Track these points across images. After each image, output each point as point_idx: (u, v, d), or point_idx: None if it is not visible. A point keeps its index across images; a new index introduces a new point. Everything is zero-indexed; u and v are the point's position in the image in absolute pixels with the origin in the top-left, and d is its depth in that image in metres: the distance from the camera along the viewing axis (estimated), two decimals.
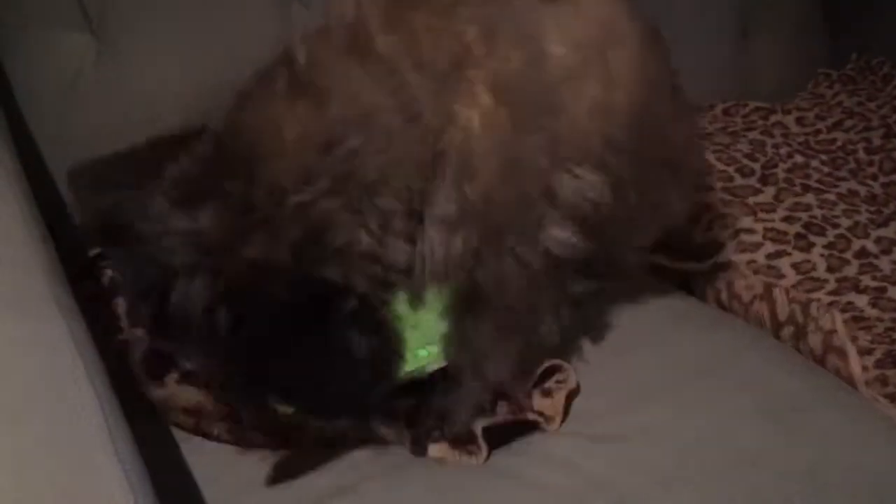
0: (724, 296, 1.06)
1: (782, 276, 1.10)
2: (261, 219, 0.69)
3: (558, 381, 0.85)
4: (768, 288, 1.02)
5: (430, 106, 0.73)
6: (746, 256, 1.12)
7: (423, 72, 0.73)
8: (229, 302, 0.69)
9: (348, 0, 0.77)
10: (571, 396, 0.85)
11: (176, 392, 0.86)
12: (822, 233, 1.16)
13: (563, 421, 0.84)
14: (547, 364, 0.85)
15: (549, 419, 0.84)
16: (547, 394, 0.85)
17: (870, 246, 1.15)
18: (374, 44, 0.74)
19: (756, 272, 1.10)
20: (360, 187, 0.71)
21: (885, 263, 1.12)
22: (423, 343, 0.79)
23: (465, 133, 0.73)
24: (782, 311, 0.99)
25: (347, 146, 0.71)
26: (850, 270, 1.11)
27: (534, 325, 0.82)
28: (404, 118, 0.72)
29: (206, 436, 0.83)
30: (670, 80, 0.89)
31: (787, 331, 1.00)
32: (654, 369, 0.90)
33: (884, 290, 1.07)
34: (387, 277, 0.73)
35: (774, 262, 1.12)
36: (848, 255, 1.14)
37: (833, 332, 0.94)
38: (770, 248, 1.14)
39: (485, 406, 0.82)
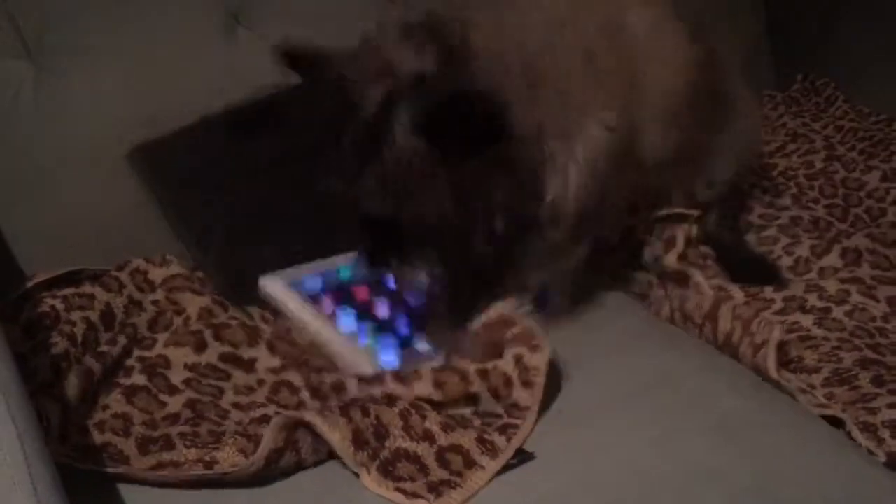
0: (678, 317, 1.07)
1: (731, 297, 1.10)
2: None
3: (533, 369, 0.87)
4: (716, 305, 1.02)
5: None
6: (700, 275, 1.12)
7: None
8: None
9: None
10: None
11: (118, 408, 0.85)
12: None
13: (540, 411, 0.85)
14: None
15: (523, 410, 0.84)
16: (527, 384, 0.86)
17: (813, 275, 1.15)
18: None
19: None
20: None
21: (830, 284, 1.12)
22: None
23: None
24: (722, 332, 0.99)
25: None
26: (797, 289, 1.11)
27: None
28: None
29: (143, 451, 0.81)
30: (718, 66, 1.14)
31: (725, 354, 1.00)
32: (605, 387, 0.90)
33: (829, 310, 1.08)
34: None
35: (724, 284, 1.11)
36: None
37: (762, 345, 0.94)
38: (720, 276, 1.13)
39: None
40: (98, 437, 0.82)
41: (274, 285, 1.01)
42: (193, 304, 1.00)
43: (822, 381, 0.97)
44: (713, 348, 1.01)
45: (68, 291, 0.98)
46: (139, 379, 0.90)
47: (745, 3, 1.65)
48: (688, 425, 0.85)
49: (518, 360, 0.87)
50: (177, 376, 0.91)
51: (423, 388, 0.86)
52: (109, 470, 0.79)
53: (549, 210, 0.95)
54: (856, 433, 0.88)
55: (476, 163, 0.86)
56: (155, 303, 1.01)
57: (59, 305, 0.96)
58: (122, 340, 0.93)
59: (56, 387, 0.85)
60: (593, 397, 0.89)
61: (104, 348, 0.92)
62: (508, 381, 0.87)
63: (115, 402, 0.87)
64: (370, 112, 0.86)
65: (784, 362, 0.96)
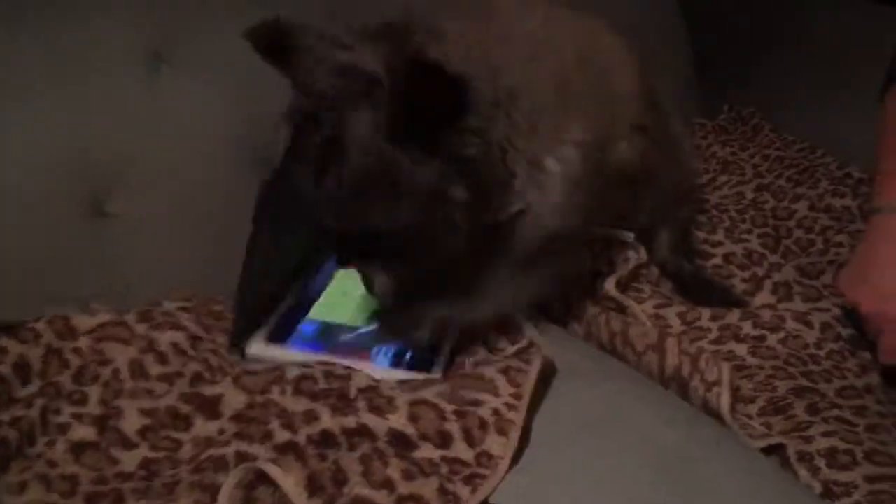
0: (618, 341, 1.05)
1: (669, 327, 1.10)
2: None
3: (508, 421, 0.85)
4: (662, 337, 1.01)
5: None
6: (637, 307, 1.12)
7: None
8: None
9: None
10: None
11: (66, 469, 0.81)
12: None
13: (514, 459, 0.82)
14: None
15: (494, 460, 0.82)
16: (502, 432, 0.83)
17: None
18: None
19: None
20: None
21: (765, 312, 1.13)
22: None
23: None
24: (670, 365, 0.99)
25: None
26: (733, 318, 1.12)
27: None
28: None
29: None
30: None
31: (672, 387, 0.99)
32: (539, 427, 0.88)
33: (763, 338, 1.08)
34: None
35: (662, 312, 1.12)
36: None
37: (714, 384, 0.94)
38: (657, 299, 1.14)
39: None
40: (42, 495, 0.79)
41: (260, 347, 0.96)
42: (123, 355, 0.94)
43: (757, 410, 0.98)
44: (648, 380, 1.00)
45: None
46: (88, 433, 0.84)
47: (673, 34, 1.68)
48: (626, 463, 0.83)
49: (495, 412, 0.85)
50: (132, 425, 0.86)
51: (398, 420, 0.82)
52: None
53: (523, 221, 0.94)
54: (794, 463, 0.89)
55: (438, 161, 0.85)
56: (76, 351, 0.94)
57: None
58: (41, 402, 0.87)
59: None
60: (531, 438, 0.87)
61: (20, 413, 0.86)
62: (483, 424, 0.84)
63: (62, 460, 0.82)
64: (326, 116, 0.84)
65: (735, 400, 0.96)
